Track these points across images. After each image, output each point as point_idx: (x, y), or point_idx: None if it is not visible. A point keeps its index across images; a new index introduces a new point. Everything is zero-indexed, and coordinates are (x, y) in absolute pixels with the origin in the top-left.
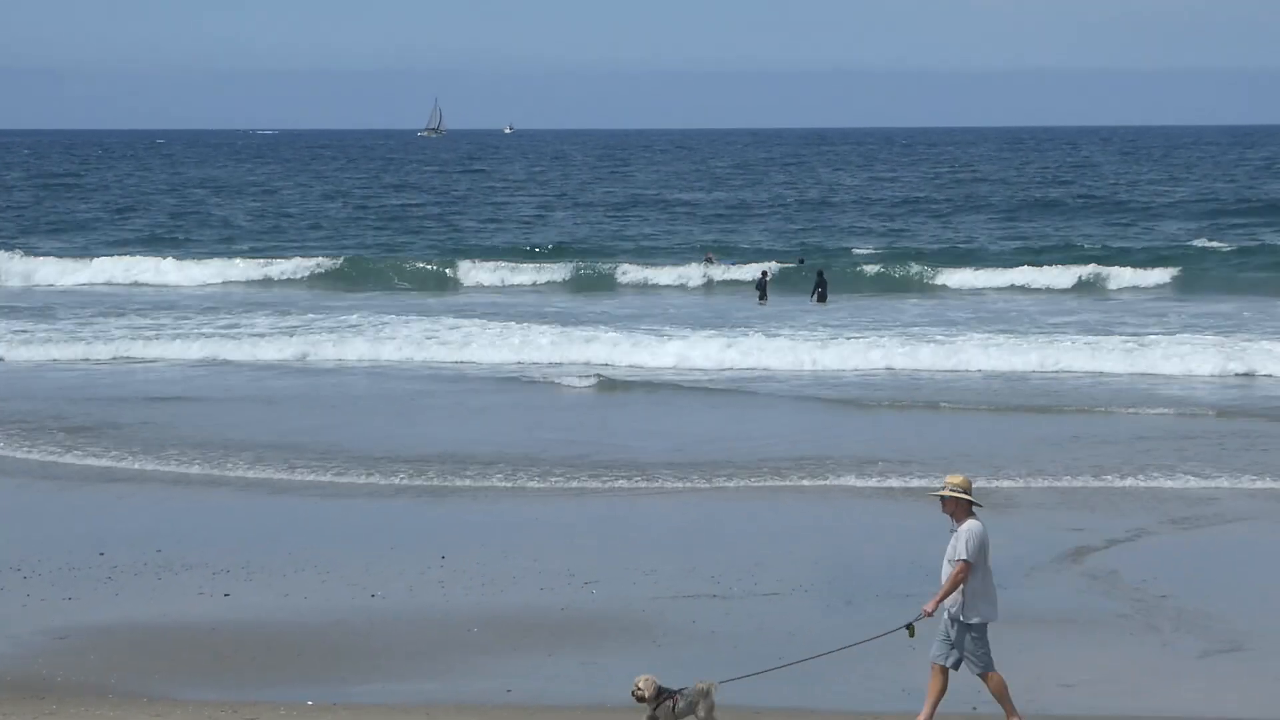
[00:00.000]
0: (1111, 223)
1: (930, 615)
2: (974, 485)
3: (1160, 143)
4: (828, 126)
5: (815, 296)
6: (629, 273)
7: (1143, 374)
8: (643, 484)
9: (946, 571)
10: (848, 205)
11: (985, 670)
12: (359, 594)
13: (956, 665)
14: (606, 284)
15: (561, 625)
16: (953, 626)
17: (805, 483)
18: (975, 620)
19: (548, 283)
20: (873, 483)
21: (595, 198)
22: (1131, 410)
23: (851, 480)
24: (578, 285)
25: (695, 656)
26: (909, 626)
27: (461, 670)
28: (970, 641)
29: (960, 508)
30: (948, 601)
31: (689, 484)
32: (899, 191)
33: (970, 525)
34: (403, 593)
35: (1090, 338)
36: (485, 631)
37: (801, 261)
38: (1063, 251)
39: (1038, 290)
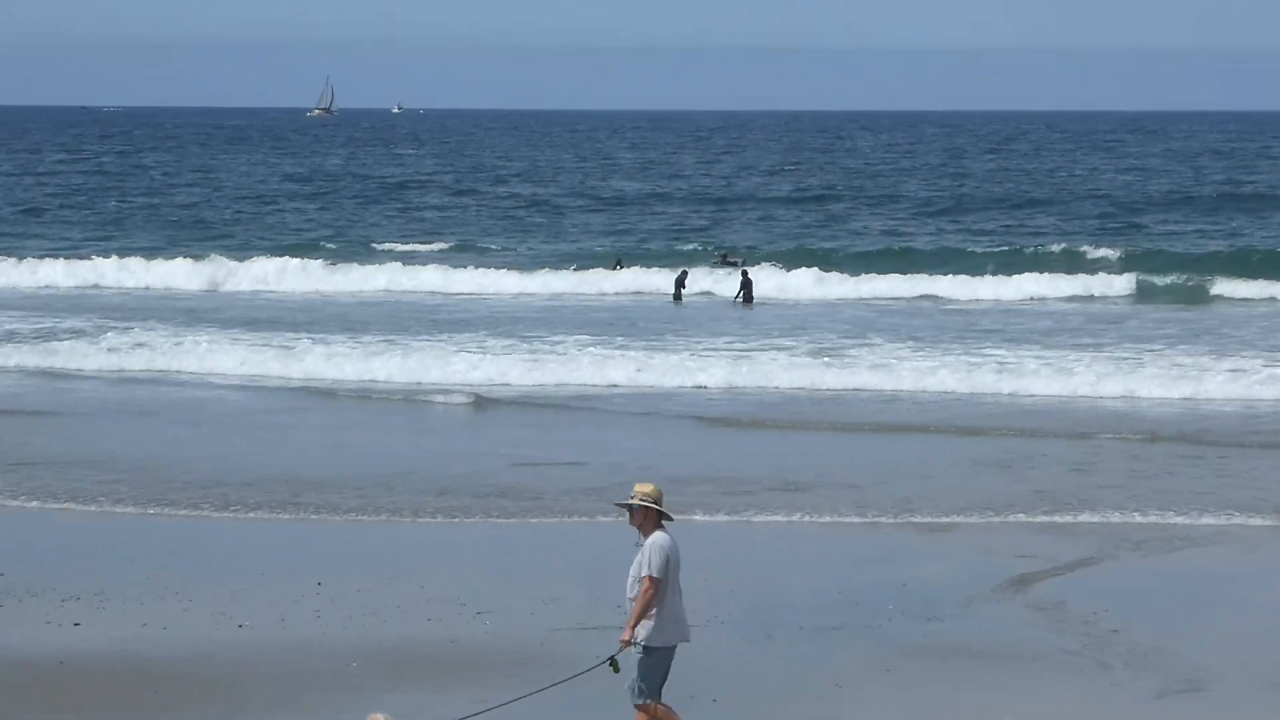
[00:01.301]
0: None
1: (630, 644)
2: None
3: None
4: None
5: (739, 298)
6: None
7: (1070, 397)
8: (539, 507)
9: (633, 590)
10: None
11: (646, 700)
12: (225, 624)
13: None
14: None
15: (451, 659)
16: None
17: (722, 517)
18: (658, 644)
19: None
20: (796, 517)
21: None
22: (1074, 436)
23: (773, 508)
24: (447, 283)
25: (601, 694)
26: (611, 661)
27: (338, 708)
28: (644, 666)
29: (649, 519)
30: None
31: (593, 507)
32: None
33: (657, 538)
34: (274, 623)
35: (1029, 354)
36: (366, 666)
37: (725, 259)
38: (1062, 260)
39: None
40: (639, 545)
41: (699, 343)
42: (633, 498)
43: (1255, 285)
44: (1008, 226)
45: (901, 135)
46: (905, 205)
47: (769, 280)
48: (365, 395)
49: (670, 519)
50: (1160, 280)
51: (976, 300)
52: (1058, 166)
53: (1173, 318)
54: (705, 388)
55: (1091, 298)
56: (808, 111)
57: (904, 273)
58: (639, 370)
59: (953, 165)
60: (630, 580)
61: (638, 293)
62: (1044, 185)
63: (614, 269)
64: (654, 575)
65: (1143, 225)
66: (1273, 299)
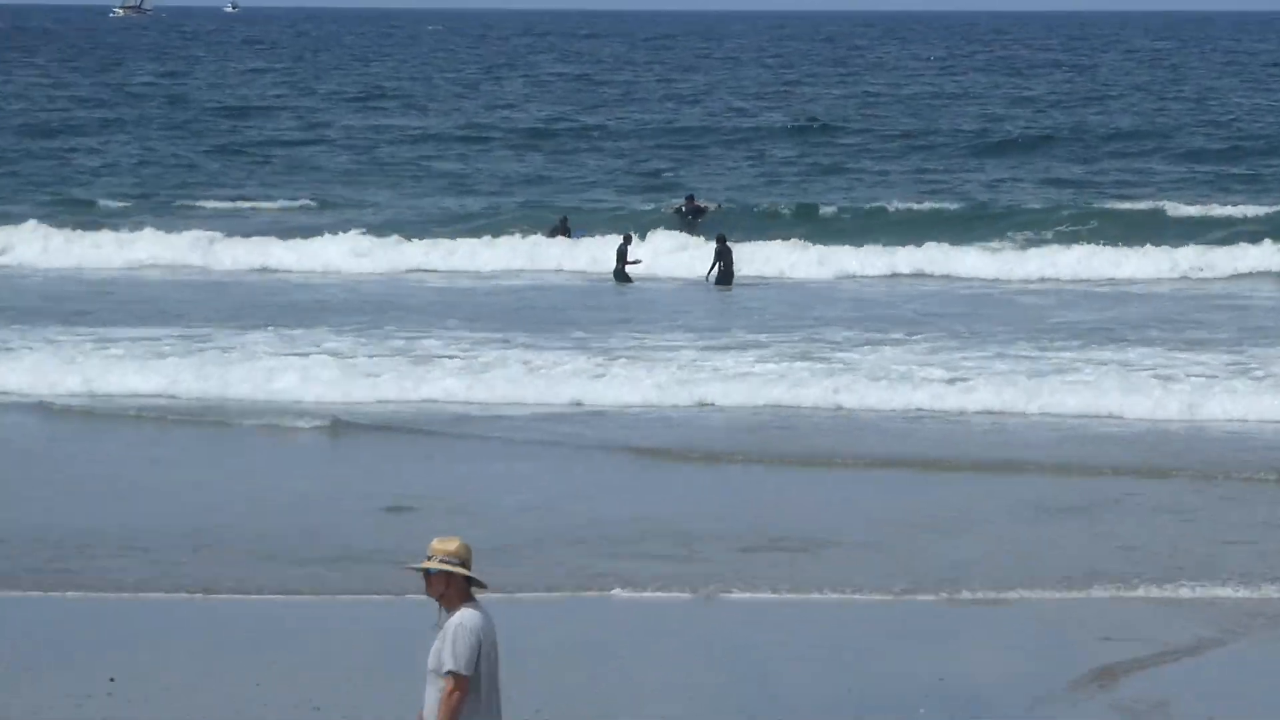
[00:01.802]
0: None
1: None
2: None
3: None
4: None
5: (712, 275)
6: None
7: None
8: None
9: (433, 696)
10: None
11: None
12: None
13: None
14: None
15: None
16: None
17: (679, 593)
18: None
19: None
20: (787, 592)
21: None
22: (1173, 474)
23: (754, 577)
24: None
25: None
26: None
27: None
28: None
29: (455, 588)
30: None
31: (491, 575)
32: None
33: (465, 617)
34: None
35: (1096, 362)
36: None
37: (692, 206)
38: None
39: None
40: (438, 628)
41: (645, 340)
42: (430, 558)
43: None
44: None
45: (935, 42)
46: (960, 144)
47: (756, 252)
48: (164, 418)
49: (483, 587)
50: None
51: (1030, 281)
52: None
53: None
54: (654, 405)
55: (1206, 279)
56: (796, 12)
57: (940, 239)
58: (561, 381)
59: (1012, 86)
60: (430, 672)
61: (582, 273)
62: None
63: (554, 234)
64: (460, 671)
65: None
66: None
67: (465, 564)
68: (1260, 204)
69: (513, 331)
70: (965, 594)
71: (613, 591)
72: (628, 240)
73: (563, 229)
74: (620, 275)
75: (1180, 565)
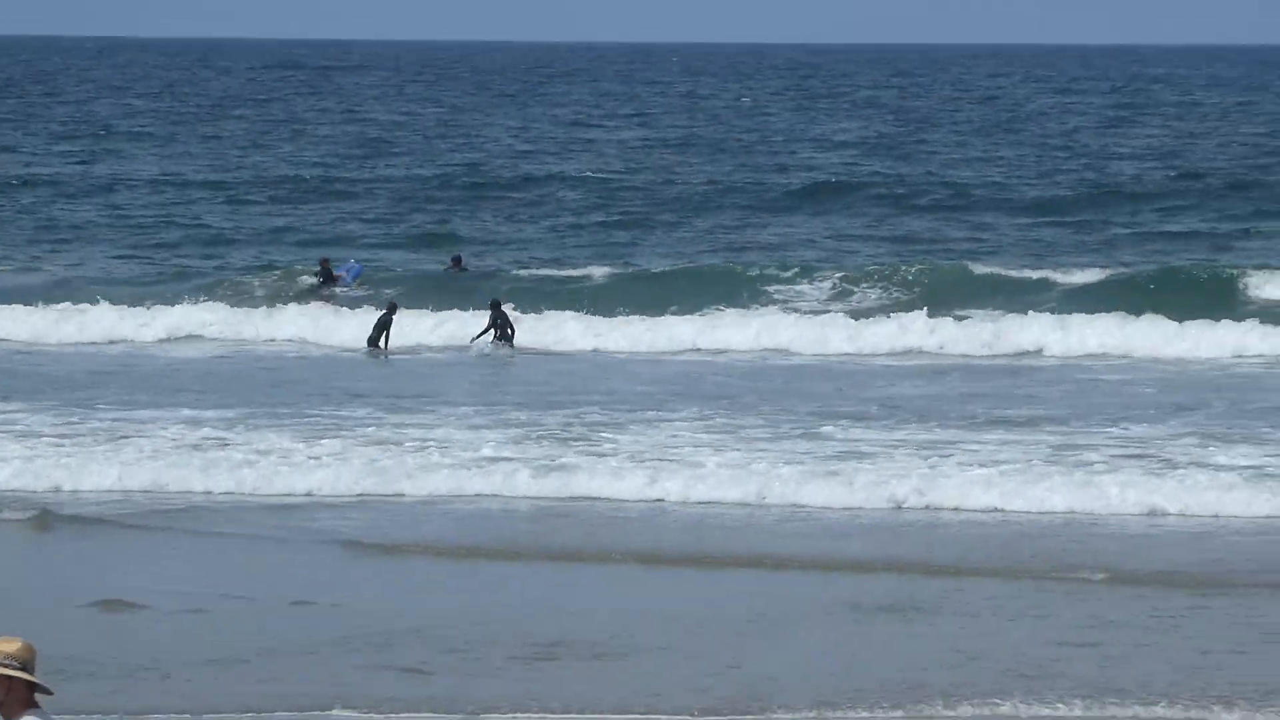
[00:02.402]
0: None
1: None
2: None
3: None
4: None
5: (491, 336)
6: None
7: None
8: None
9: None
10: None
11: None
12: None
13: None
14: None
15: None
16: None
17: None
18: None
19: None
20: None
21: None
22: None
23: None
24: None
25: None
26: None
27: None
28: None
29: (15, 694)
30: None
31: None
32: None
33: None
34: None
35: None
36: None
37: (457, 263)
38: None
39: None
40: None
41: (384, 419)
42: None
43: None
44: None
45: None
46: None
47: (540, 322)
48: None
49: (48, 693)
50: None
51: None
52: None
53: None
54: (403, 496)
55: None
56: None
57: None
58: (291, 466)
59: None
60: None
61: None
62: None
63: (317, 278)
64: None
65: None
66: None
67: (27, 667)
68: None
69: (249, 408)
70: (781, 714)
71: (332, 712)
72: (392, 310)
73: (325, 270)
74: (376, 341)
75: (1018, 672)
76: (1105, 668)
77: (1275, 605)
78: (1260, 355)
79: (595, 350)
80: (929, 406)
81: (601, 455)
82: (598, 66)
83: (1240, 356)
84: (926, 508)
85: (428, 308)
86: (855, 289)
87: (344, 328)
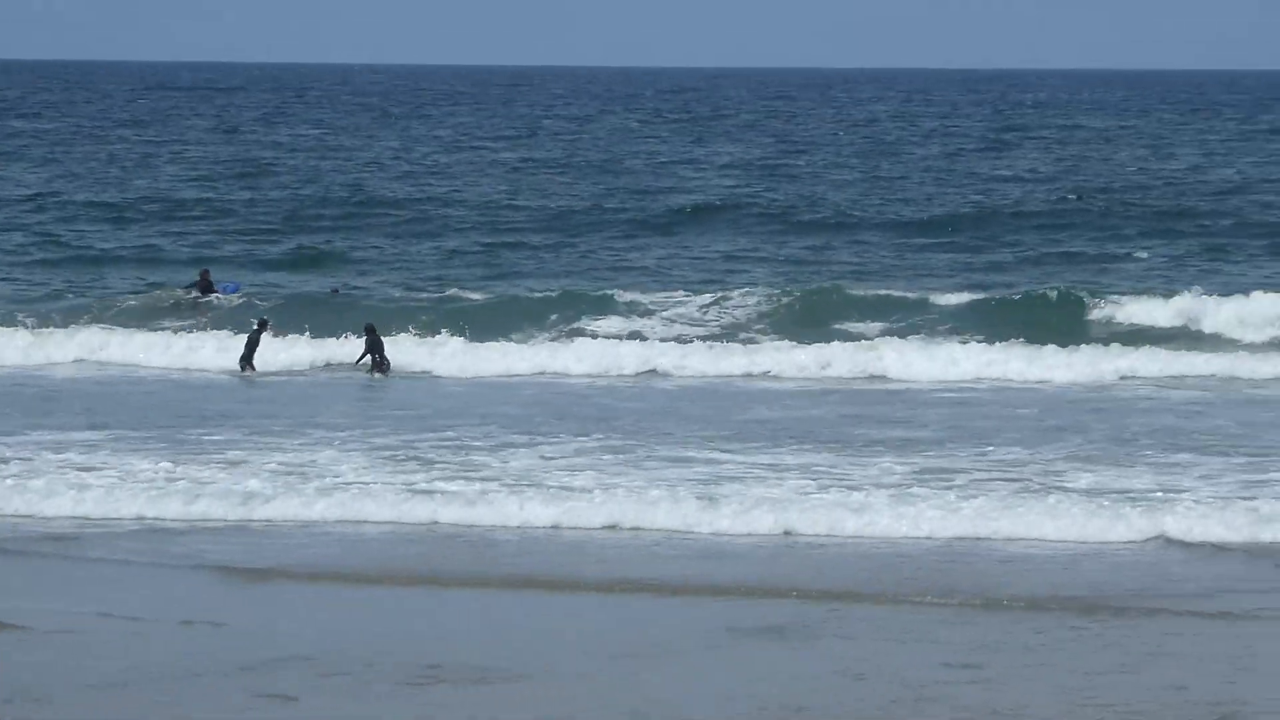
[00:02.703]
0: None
1: None
2: None
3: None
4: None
5: (363, 364)
6: None
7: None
8: None
9: None
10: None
11: None
12: None
13: None
14: None
15: None
16: None
17: None
18: None
19: None
20: None
21: None
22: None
23: None
24: None
25: None
26: None
27: None
28: None
29: None
30: None
31: None
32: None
33: None
34: None
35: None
36: None
37: (335, 292)
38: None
39: None
40: None
41: (256, 442)
42: None
43: None
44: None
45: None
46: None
47: (418, 345)
48: None
49: None
50: None
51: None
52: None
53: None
54: (276, 521)
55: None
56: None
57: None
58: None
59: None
60: None
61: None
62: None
63: (192, 290)
64: None
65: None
66: None
67: None
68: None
69: (119, 430)
70: None
71: None
72: (263, 326)
73: (204, 283)
74: (248, 361)
75: (901, 696)
76: (989, 690)
77: (1150, 627)
78: (1135, 377)
79: (470, 374)
80: (802, 429)
81: (474, 480)
82: (480, 89)
83: (1126, 379)
84: (801, 532)
85: (304, 328)
86: (732, 311)
87: (217, 348)
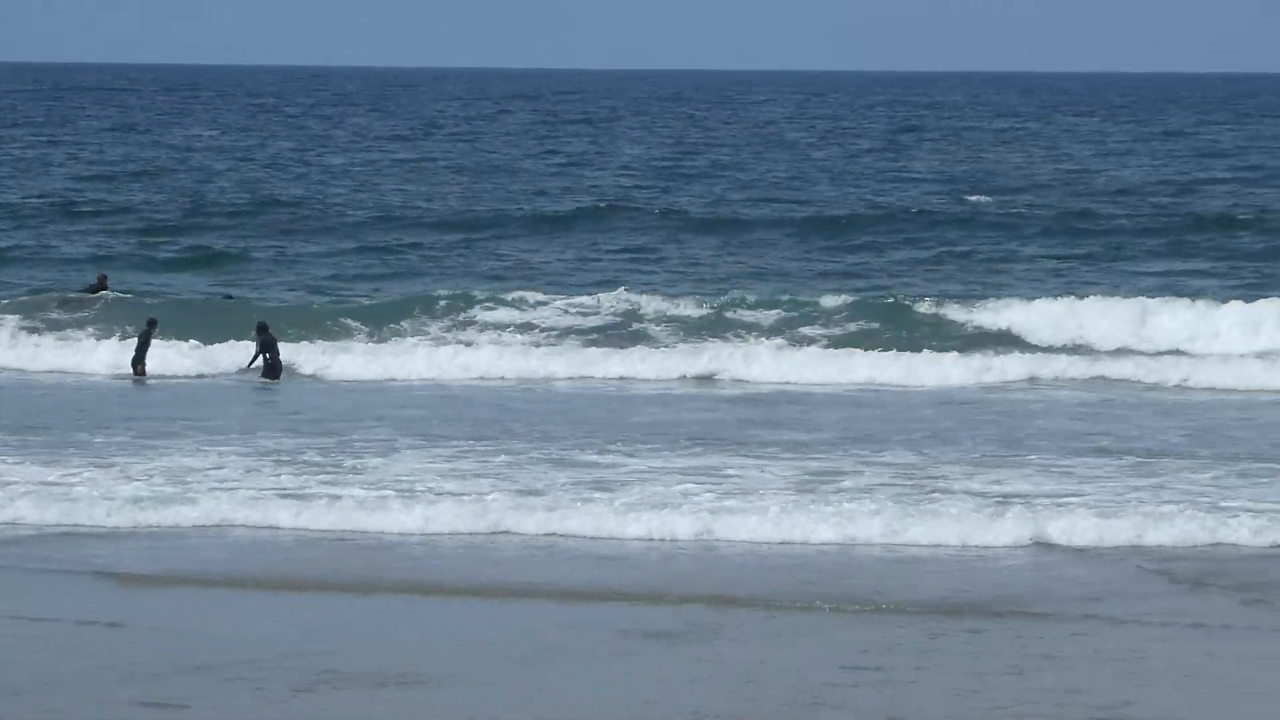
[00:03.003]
0: None
1: None
2: None
3: None
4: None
5: (260, 362)
6: None
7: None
8: None
9: None
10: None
11: None
12: None
13: None
14: None
15: None
16: None
17: None
18: None
19: None
20: None
21: None
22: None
23: None
24: None
25: None
26: None
27: None
28: None
29: None
30: None
31: None
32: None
33: None
34: None
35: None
36: None
37: (229, 297)
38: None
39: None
40: None
41: (147, 446)
42: None
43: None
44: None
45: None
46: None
47: (310, 350)
48: None
49: None
50: None
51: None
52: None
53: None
54: (167, 526)
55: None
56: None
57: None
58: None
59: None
60: None
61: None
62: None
63: (94, 292)
64: None
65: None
66: None
67: None
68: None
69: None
70: None
71: None
72: (152, 326)
73: (100, 286)
74: (139, 365)
75: (800, 699)
76: (888, 693)
77: (1044, 630)
78: (1015, 380)
79: (364, 376)
80: (694, 432)
81: (370, 486)
82: (375, 89)
83: (1010, 382)
84: (687, 538)
85: (191, 332)
86: (621, 314)
87: (104, 353)
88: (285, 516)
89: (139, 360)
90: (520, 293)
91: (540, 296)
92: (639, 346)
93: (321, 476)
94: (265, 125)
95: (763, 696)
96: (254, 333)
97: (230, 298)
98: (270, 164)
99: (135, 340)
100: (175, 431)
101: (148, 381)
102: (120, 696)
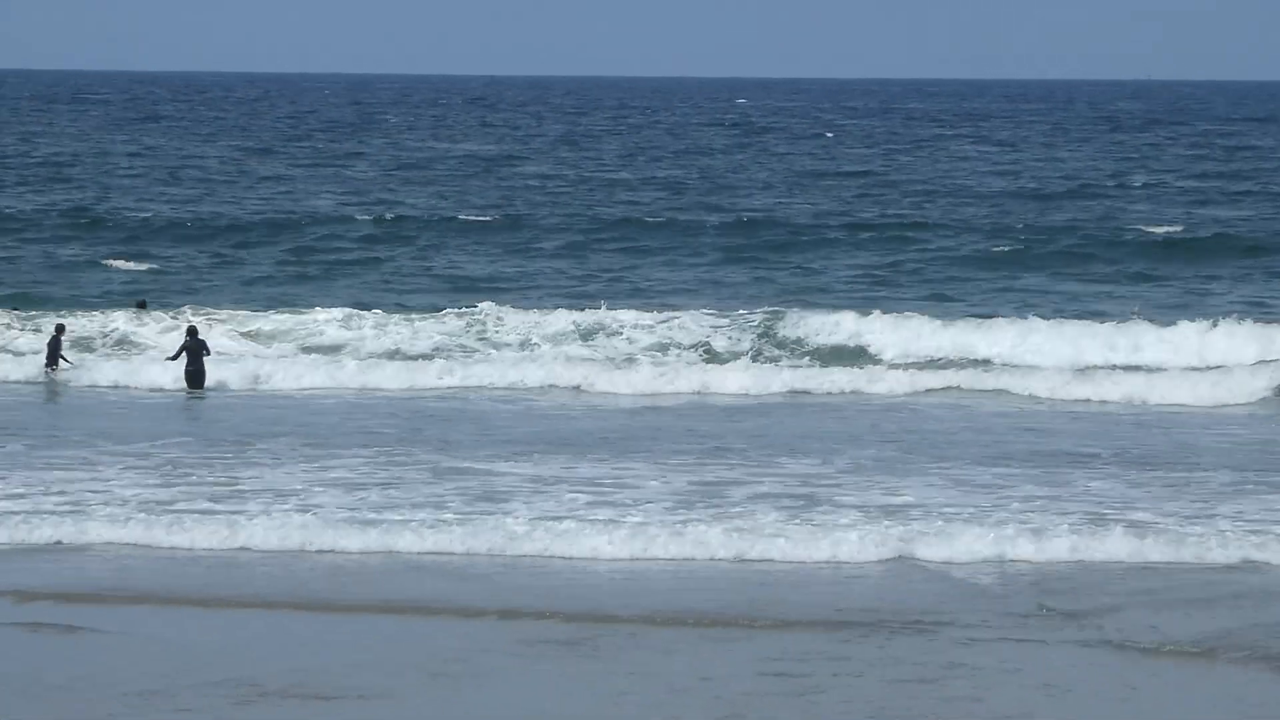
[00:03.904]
0: None
1: None
2: None
3: None
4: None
5: (184, 361)
6: None
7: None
8: None
9: None
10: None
11: None
12: None
13: None
14: None
15: None
16: None
17: None
18: None
19: None
20: None
21: None
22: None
23: None
24: None
25: None
26: None
27: None
28: None
29: None
30: None
31: None
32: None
33: None
34: None
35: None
36: None
37: (142, 305)
38: None
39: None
40: None
41: (46, 458)
42: None
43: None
44: None
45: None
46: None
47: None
48: None
49: None
50: None
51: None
52: None
53: None
54: (64, 543)
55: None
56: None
57: None
58: None
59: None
60: None
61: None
62: None
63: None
64: None
65: None
66: None
67: None
68: None
69: None
70: None
71: None
72: (60, 331)
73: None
74: (53, 361)
75: (719, 712)
76: (804, 705)
77: (940, 643)
78: (898, 394)
79: (302, 389)
80: (574, 443)
81: (266, 501)
82: (276, 93)
83: (911, 394)
84: (575, 555)
85: (105, 339)
86: (508, 324)
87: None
88: (179, 535)
89: (53, 361)
90: (403, 300)
91: (430, 304)
92: (522, 350)
93: (219, 491)
94: (151, 131)
95: (681, 707)
96: (185, 335)
97: (144, 305)
98: (176, 170)
99: (47, 342)
100: (79, 442)
101: (60, 382)
102: (42, 715)
